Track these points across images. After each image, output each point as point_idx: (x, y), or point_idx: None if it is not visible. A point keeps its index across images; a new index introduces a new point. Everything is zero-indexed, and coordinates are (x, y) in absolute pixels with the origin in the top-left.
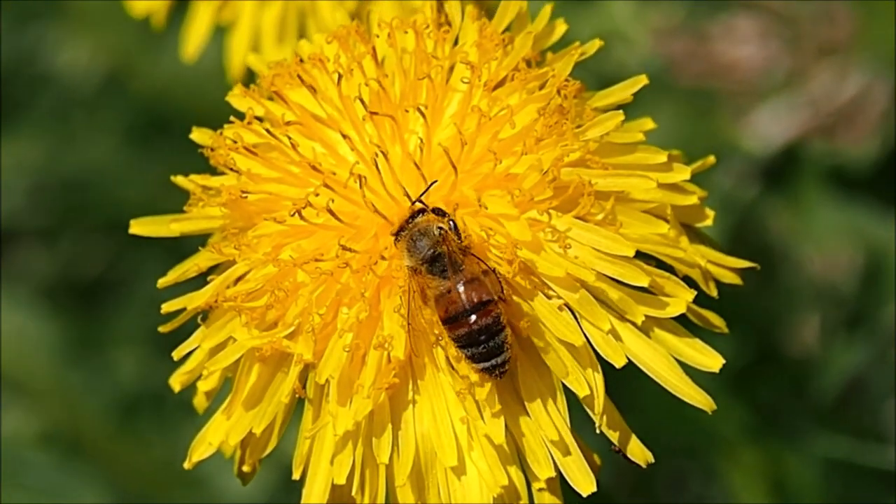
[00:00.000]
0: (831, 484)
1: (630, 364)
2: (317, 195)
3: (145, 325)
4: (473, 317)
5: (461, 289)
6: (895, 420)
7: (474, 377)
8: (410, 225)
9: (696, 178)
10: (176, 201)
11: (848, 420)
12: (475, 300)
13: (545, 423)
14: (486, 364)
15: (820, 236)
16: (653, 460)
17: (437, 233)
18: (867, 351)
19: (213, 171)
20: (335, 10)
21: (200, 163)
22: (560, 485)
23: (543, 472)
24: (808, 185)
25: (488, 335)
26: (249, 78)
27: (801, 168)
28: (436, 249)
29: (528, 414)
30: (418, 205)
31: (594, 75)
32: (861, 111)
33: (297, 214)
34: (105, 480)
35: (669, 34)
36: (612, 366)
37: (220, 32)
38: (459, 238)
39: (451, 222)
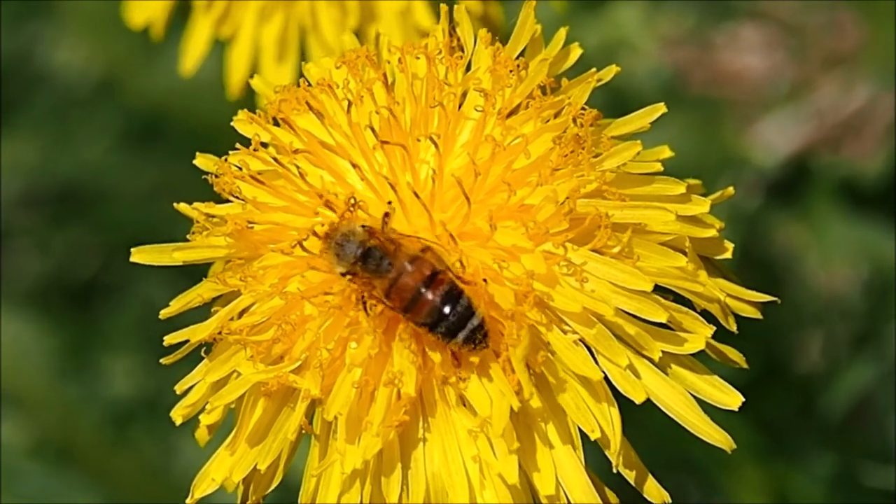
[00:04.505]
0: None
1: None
2: (322, 225)
3: (139, 329)
4: (427, 291)
5: (405, 271)
6: None
7: (485, 410)
8: (333, 234)
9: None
10: (170, 206)
11: (853, 438)
12: (422, 275)
13: (559, 462)
14: (464, 332)
15: (826, 250)
16: (669, 500)
17: (360, 230)
18: (873, 368)
19: (214, 193)
20: (336, 28)
21: (196, 168)
22: None
23: None
24: (815, 198)
25: (450, 301)
26: (248, 94)
27: (808, 180)
28: (364, 245)
29: (541, 452)
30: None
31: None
32: (867, 123)
33: (298, 246)
34: (99, 489)
35: (674, 42)
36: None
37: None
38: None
39: (384, 214)
